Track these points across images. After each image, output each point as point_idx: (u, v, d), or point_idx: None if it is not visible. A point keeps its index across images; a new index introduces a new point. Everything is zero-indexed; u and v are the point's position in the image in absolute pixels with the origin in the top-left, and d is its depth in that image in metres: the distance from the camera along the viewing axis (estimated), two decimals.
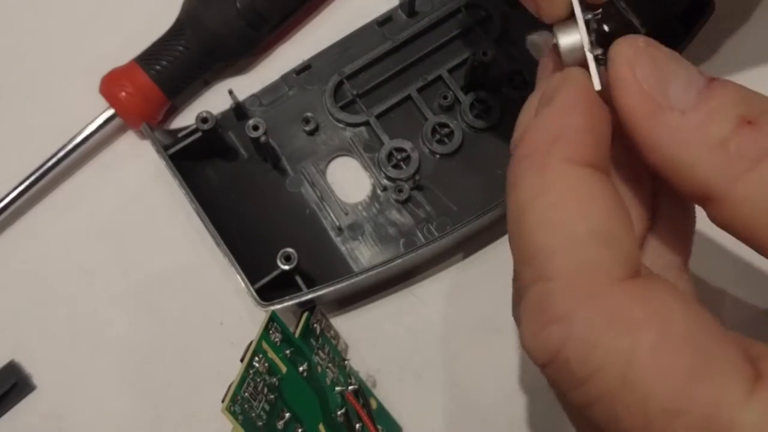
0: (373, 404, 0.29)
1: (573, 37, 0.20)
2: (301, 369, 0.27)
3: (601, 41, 0.20)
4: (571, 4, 0.20)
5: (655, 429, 0.16)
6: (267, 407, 0.25)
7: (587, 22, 0.20)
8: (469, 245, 0.32)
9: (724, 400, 0.15)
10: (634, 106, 0.18)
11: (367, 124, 0.33)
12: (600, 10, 0.20)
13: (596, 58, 0.20)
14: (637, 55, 0.18)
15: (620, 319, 0.16)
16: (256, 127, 0.30)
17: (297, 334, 0.28)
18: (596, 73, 0.20)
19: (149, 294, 0.31)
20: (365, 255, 0.31)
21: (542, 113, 0.19)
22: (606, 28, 0.21)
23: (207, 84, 0.35)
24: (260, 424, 0.24)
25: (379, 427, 0.28)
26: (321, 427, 0.26)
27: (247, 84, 0.34)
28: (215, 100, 0.34)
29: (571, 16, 0.20)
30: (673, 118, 0.17)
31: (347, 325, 0.31)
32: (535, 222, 0.17)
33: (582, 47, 0.20)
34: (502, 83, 0.33)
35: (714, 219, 0.17)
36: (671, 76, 0.18)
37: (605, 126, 0.19)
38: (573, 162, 0.17)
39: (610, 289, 0.16)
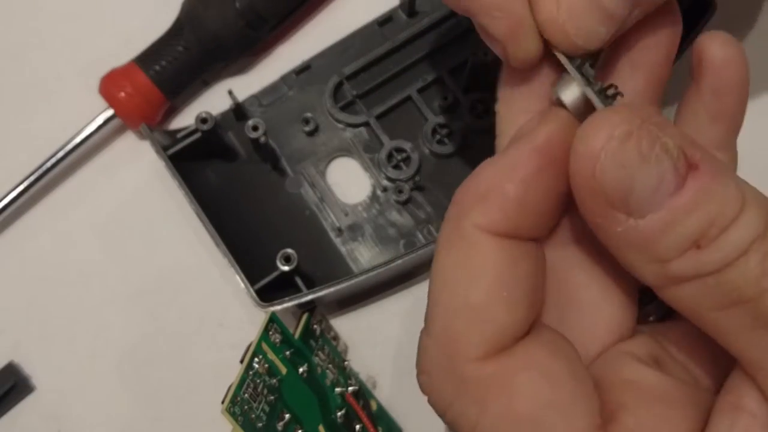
0: (373, 405, 0.29)
1: (571, 90, 0.18)
2: (301, 370, 0.27)
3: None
4: (544, 44, 0.18)
5: None
6: (267, 408, 0.25)
7: (580, 67, 0.18)
8: None
9: None
10: (589, 209, 0.16)
11: (367, 124, 0.33)
12: (591, 61, 0.18)
13: (605, 96, 0.17)
14: (604, 151, 0.15)
15: (469, 391, 0.17)
16: (255, 128, 0.30)
17: (297, 335, 0.28)
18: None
19: (148, 295, 0.31)
20: (365, 256, 0.31)
21: (492, 160, 0.18)
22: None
23: (206, 84, 0.34)
24: (260, 425, 0.24)
25: (379, 428, 0.28)
26: (321, 428, 0.26)
27: (246, 84, 0.34)
28: (215, 101, 0.34)
29: (551, 57, 0.18)
30: (627, 223, 0.15)
31: (347, 326, 0.31)
32: (437, 273, 0.18)
33: (581, 95, 0.17)
34: None
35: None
36: (637, 182, 0.15)
37: (546, 197, 0.17)
38: (483, 231, 0.17)
39: (465, 364, 0.17)
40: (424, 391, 0.18)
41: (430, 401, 0.18)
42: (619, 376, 0.18)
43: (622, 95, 0.17)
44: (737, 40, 0.19)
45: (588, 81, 0.17)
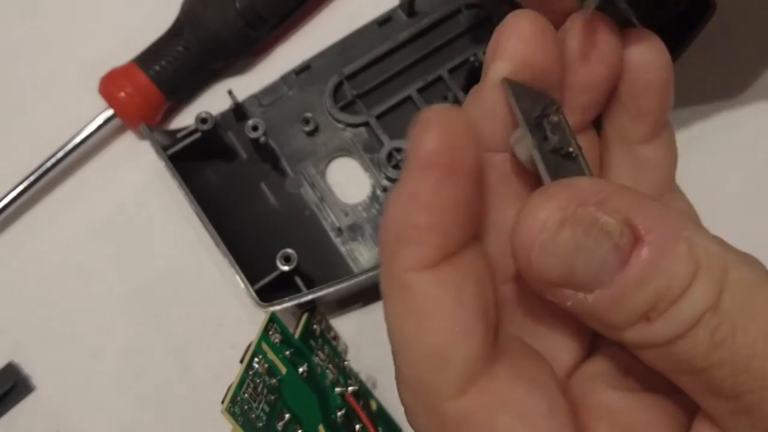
0: (373, 405, 0.29)
1: (523, 147, 0.16)
2: (300, 370, 0.27)
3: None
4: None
5: None
6: (267, 408, 0.25)
7: (537, 120, 0.16)
8: None
9: None
10: (535, 287, 0.16)
11: (367, 124, 0.33)
12: (556, 106, 0.17)
13: (559, 156, 0.16)
14: (537, 243, 0.15)
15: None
16: (255, 128, 0.30)
17: (297, 335, 0.28)
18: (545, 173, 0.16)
19: (148, 295, 0.31)
20: (365, 256, 0.31)
21: (392, 199, 0.16)
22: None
23: (206, 84, 0.34)
24: (260, 425, 0.24)
25: (379, 428, 0.28)
26: (321, 428, 0.26)
27: (246, 84, 0.34)
28: (214, 101, 0.34)
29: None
30: (576, 298, 0.15)
31: (347, 326, 0.31)
32: (389, 324, 0.17)
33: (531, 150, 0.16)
34: None
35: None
36: (577, 266, 0.15)
37: (460, 203, 0.16)
38: (415, 270, 0.16)
39: (445, 406, 0.16)
40: (413, 428, 0.18)
41: None
42: (592, 401, 0.18)
43: (577, 154, 0.16)
44: (660, 43, 0.19)
45: (543, 137, 0.16)
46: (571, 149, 0.17)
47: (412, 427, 0.18)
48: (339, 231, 0.31)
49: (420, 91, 0.33)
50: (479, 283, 0.16)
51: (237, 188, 0.32)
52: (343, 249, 0.31)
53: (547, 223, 0.15)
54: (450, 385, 0.16)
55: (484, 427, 0.16)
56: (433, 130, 0.15)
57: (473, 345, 0.16)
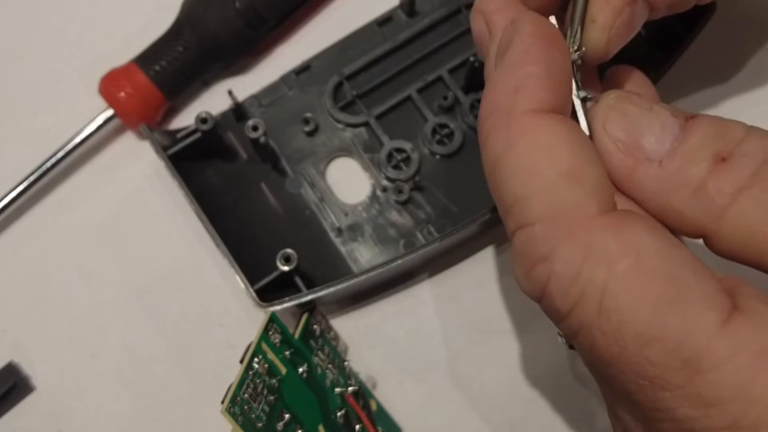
0: (373, 405, 0.29)
1: None
2: (300, 370, 0.27)
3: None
4: None
5: (629, 355, 0.16)
6: (267, 408, 0.25)
7: (573, 64, 0.20)
8: (469, 246, 0.32)
9: (697, 328, 0.16)
10: (614, 164, 0.19)
11: (366, 124, 0.33)
12: (583, 49, 0.21)
13: (583, 99, 0.20)
14: (607, 113, 0.19)
15: (596, 252, 0.17)
16: (255, 128, 0.30)
17: (297, 335, 0.28)
18: (584, 119, 0.20)
19: (148, 295, 0.31)
20: (365, 256, 0.31)
21: (499, 67, 0.19)
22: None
23: (206, 84, 0.34)
24: (260, 425, 0.24)
25: (379, 428, 0.28)
26: (321, 428, 0.26)
27: (246, 84, 0.34)
28: (214, 101, 0.34)
29: None
30: (652, 169, 0.18)
31: (347, 326, 0.31)
32: (509, 175, 0.18)
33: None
34: None
35: (713, 251, 0.18)
36: (645, 128, 0.18)
37: (562, 68, 0.19)
38: (535, 112, 0.18)
39: (585, 226, 0.17)
40: (538, 283, 0.18)
41: (549, 291, 0.18)
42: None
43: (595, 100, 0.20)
44: None
45: (574, 75, 0.20)
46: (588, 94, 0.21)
47: (541, 276, 0.18)
48: (339, 231, 0.31)
49: (420, 91, 0.33)
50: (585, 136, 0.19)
51: (237, 188, 0.32)
52: (342, 249, 0.31)
53: (608, 101, 0.19)
54: (589, 201, 0.17)
55: (630, 244, 0.17)
56: (532, 14, 0.20)
57: (601, 172, 0.18)
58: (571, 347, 0.25)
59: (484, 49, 0.22)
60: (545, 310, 0.19)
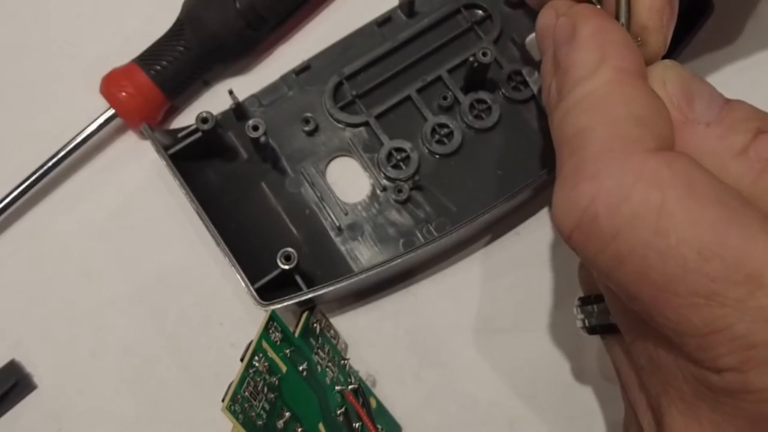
0: (373, 403, 0.29)
1: None
2: (300, 368, 0.27)
3: None
4: None
5: (688, 273, 0.17)
6: (267, 406, 0.25)
7: None
8: (468, 245, 0.32)
9: (756, 245, 0.16)
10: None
11: (366, 124, 0.33)
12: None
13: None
14: (666, 71, 0.21)
15: (650, 176, 0.18)
16: (255, 128, 0.30)
17: (297, 334, 0.28)
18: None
19: (149, 294, 0.31)
20: (365, 255, 0.31)
21: (577, 36, 0.21)
22: None
23: (207, 84, 0.35)
24: (260, 423, 0.24)
25: (378, 426, 0.28)
26: (321, 426, 0.27)
27: (246, 84, 0.34)
28: (215, 101, 0.34)
29: None
30: (699, 129, 0.20)
31: (347, 325, 0.31)
32: (581, 112, 0.20)
33: None
34: (502, 84, 0.33)
35: None
36: (696, 92, 0.20)
37: (630, 40, 0.21)
38: (622, 70, 0.20)
39: (641, 154, 0.18)
40: (580, 202, 0.18)
41: (594, 211, 0.18)
42: None
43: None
44: None
45: None
46: None
47: (587, 195, 0.18)
48: (339, 230, 0.31)
49: (419, 91, 0.33)
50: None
51: (237, 188, 0.32)
52: (342, 248, 0.31)
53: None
54: (651, 138, 0.19)
55: (682, 170, 0.18)
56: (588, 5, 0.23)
57: (667, 125, 0.19)
58: (591, 331, 0.25)
59: (550, 38, 0.24)
60: (580, 239, 0.19)
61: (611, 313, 0.22)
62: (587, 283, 0.26)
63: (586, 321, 0.25)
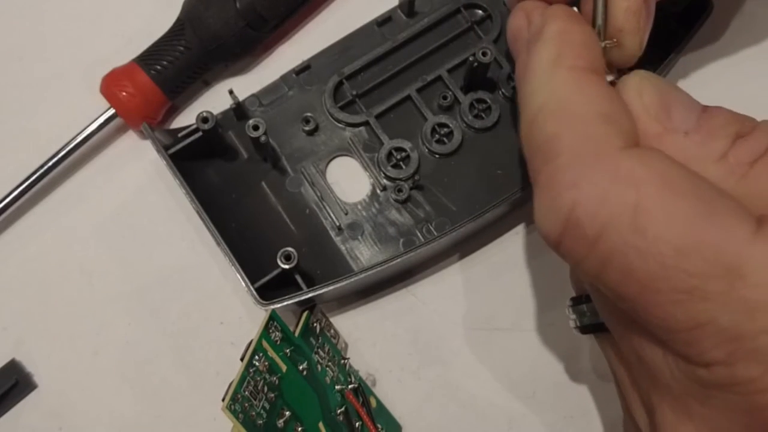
0: (373, 403, 0.29)
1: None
2: (301, 368, 0.27)
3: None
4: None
5: (667, 270, 0.17)
6: (267, 406, 0.25)
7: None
8: (468, 245, 0.32)
9: (732, 237, 0.16)
10: (642, 129, 0.20)
11: (366, 124, 0.33)
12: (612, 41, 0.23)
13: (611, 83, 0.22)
14: (641, 82, 0.21)
15: (625, 176, 0.18)
16: (256, 127, 0.30)
17: (297, 333, 0.28)
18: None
19: (149, 293, 0.32)
20: (365, 254, 0.31)
21: (537, 40, 0.21)
22: None
23: (207, 84, 0.35)
24: (260, 422, 0.24)
25: (378, 425, 0.28)
26: (321, 425, 0.27)
27: (247, 84, 0.34)
28: (215, 100, 0.34)
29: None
30: (678, 138, 0.20)
31: (347, 324, 0.31)
32: (546, 118, 0.20)
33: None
34: (502, 83, 0.33)
35: None
36: (673, 101, 0.20)
37: (593, 40, 0.21)
38: (577, 68, 0.20)
39: (613, 154, 0.18)
40: (562, 211, 0.18)
41: (575, 217, 0.18)
42: None
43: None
44: None
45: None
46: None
47: (568, 198, 0.18)
48: (339, 229, 0.32)
49: (419, 90, 0.33)
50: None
51: (237, 187, 0.32)
52: (342, 247, 0.31)
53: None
54: (620, 136, 0.19)
55: (654, 166, 0.18)
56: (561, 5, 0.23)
57: (631, 122, 0.20)
58: (584, 330, 0.25)
59: (521, 40, 0.24)
60: (566, 245, 0.19)
61: (599, 312, 0.22)
62: (578, 282, 0.26)
63: (578, 320, 0.25)
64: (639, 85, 0.21)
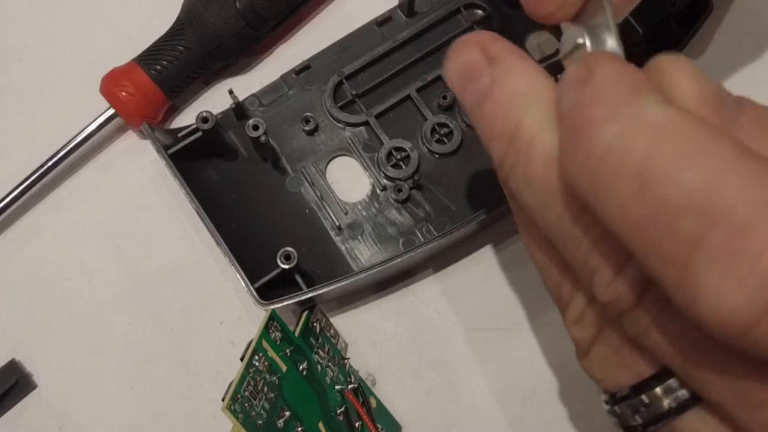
0: (373, 403, 0.29)
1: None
2: (301, 368, 0.27)
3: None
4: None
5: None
6: (267, 406, 0.25)
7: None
8: (468, 245, 0.32)
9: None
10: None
11: (366, 124, 0.33)
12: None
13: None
14: (693, 69, 0.19)
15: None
16: (256, 127, 0.30)
17: (297, 333, 0.28)
18: None
19: (149, 293, 0.32)
20: (365, 254, 0.31)
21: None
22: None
23: (207, 84, 0.35)
24: (260, 422, 0.24)
25: (378, 425, 0.28)
26: (321, 425, 0.27)
27: (247, 84, 0.34)
28: (215, 100, 0.34)
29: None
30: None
31: (347, 324, 0.31)
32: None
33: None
34: None
35: None
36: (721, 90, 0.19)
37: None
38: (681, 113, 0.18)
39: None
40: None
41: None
42: None
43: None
44: None
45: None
46: None
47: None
48: (339, 229, 0.32)
49: (419, 90, 0.33)
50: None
51: (237, 187, 0.32)
52: (342, 247, 0.31)
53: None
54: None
55: None
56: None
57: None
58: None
59: (477, 75, 0.22)
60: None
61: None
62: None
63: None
64: (694, 72, 0.19)
